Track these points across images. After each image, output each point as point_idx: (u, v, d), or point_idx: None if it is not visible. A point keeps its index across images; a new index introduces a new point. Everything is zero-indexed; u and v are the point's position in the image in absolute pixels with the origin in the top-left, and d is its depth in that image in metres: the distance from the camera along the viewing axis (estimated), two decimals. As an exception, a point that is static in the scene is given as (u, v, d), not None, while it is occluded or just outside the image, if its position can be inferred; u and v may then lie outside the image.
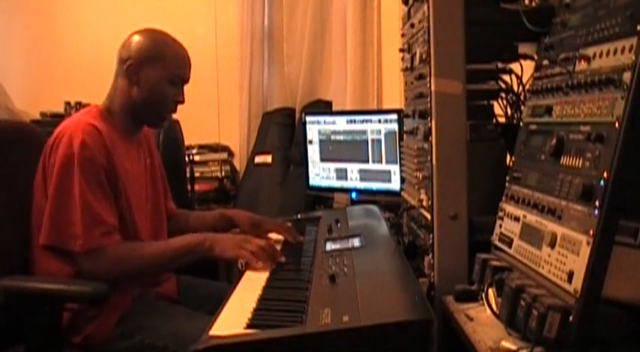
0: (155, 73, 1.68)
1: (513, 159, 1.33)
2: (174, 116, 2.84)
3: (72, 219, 1.54)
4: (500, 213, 1.30)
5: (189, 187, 3.43)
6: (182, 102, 1.76)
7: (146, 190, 1.79)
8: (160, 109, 1.74)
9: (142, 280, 1.70)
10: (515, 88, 1.56)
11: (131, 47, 1.69)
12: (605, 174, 0.92)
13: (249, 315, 1.18)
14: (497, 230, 1.30)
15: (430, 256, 1.43)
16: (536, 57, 1.40)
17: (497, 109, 1.59)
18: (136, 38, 1.71)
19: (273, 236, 1.87)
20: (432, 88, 1.39)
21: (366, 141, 2.70)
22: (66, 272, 1.57)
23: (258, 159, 3.74)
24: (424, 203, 1.51)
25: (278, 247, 1.71)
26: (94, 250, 1.54)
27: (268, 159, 3.69)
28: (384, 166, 2.65)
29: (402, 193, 1.95)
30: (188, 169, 3.44)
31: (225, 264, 2.37)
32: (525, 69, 1.53)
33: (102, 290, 1.44)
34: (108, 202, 1.59)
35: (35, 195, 1.63)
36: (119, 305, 1.59)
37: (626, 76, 0.92)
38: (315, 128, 2.93)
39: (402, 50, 1.87)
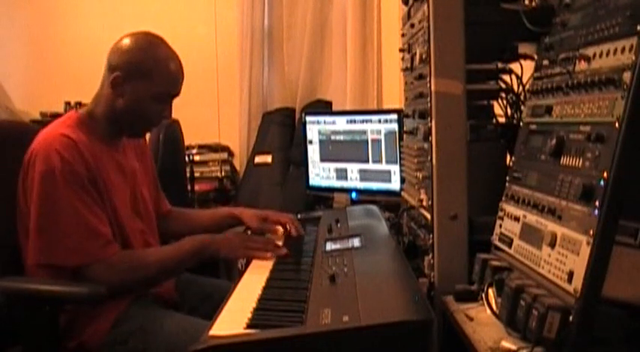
0: (140, 88, 1.62)
1: (513, 159, 1.33)
2: (175, 116, 2.84)
3: (63, 235, 1.50)
4: (501, 213, 1.30)
5: (189, 187, 3.44)
6: (168, 118, 1.72)
7: (133, 193, 1.75)
8: (141, 124, 1.72)
9: (149, 288, 1.67)
10: (515, 88, 1.56)
11: (120, 56, 1.63)
12: (605, 174, 0.92)
13: (249, 315, 1.18)
14: (497, 230, 1.30)
15: (430, 256, 1.43)
16: (536, 57, 1.40)
17: (498, 109, 1.59)
18: (128, 46, 1.64)
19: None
20: (432, 88, 1.39)
21: (366, 141, 2.70)
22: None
23: (258, 159, 3.74)
24: (424, 203, 1.51)
25: (280, 243, 1.76)
26: (95, 263, 1.51)
27: (268, 159, 3.70)
28: (384, 166, 2.65)
29: (402, 193, 1.95)
30: (188, 169, 3.45)
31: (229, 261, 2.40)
32: (525, 69, 1.53)
33: (99, 292, 1.43)
34: (100, 212, 1.56)
35: (19, 203, 1.60)
36: (114, 309, 1.56)
37: (626, 76, 0.92)
38: (315, 128, 2.93)
39: (402, 50, 1.87)
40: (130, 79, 1.62)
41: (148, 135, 1.99)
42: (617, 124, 0.92)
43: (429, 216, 1.45)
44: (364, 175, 2.75)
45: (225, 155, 3.91)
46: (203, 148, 3.85)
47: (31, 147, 1.58)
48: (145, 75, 1.62)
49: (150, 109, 1.66)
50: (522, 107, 1.50)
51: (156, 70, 1.63)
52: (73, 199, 1.51)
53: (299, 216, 2.18)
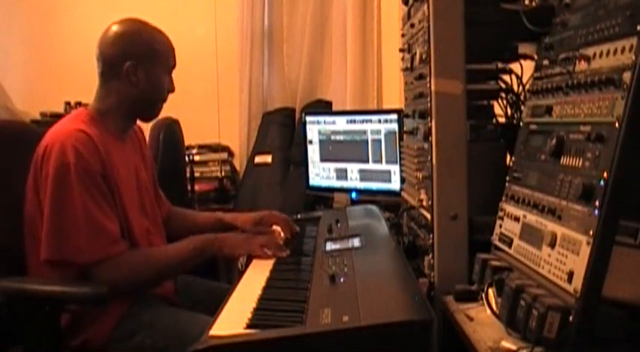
0: (154, 70, 1.69)
1: (513, 159, 1.33)
2: (175, 116, 2.85)
3: (74, 231, 1.51)
4: (501, 213, 1.30)
5: (189, 187, 3.44)
6: (173, 90, 1.78)
7: (139, 190, 1.76)
8: (158, 102, 1.76)
9: (153, 286, 1.69)
10: (515, 88, 1.56)
11: (120, 47, 1.67)
12: (605, 174, 0.92)
13: (249, 315, 1.18)
14: (497, 230, 1.30)
15: (430, 256, 1.43)
16: (536, 57, 1.40)
17: (498, 109, 1.60)
18: (124, 35, 1.70)
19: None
20: (432, 88, 1.39)
21: (366, 141, 2.70)
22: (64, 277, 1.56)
23: (258, 159, 3.74)
24: (424, 203, 1.51)
25: (280, 242, 1.77)
26: (103, 261, 1.52)
27: (268, 159, 3.70)
28: (384, 166, 2.65)
29: (402, 193, 1.95)
30: (188, 169, 3.45)
31: (234, 260, 2.48)
32: (525, 69, 1.53)
33: (102, 292, 1.44)
34: (111, 210, 1.57)
35: (27, 200, 1.60)
36: (118, 306, 1.57)
37: (626, 76, 0.92)
38: (315, 128, 2.93)
39: (402, 50, 1.87)
40: (141, 65, 1.67)
41: (147, 135, 1.99)
42: (617, 124, 0.92)
43: (429, 216, 1.45)
44: (364, 175, 2.75)
45: (225, 155, 3.91)
46: (203, 148, 3.85)
47: (43, 142, 1.59)
48: (153, 56, 1.70)
49: (164, 86, 1.74)
50: (522, 107, 1.50)
51: (158, 49, 1.71)
52: (85, 196, 1.52)
53: (299, 216, 2.18)
